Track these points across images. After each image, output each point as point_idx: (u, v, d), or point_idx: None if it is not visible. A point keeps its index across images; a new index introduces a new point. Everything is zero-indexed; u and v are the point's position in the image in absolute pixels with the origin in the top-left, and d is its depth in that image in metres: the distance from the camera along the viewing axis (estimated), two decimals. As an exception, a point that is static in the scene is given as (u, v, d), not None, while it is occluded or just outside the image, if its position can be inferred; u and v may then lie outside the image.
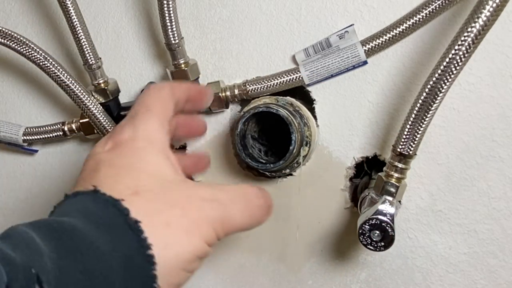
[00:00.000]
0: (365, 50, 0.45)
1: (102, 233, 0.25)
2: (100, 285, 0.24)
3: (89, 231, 0.25)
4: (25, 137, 0.55)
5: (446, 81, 0.37)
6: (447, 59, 0.37)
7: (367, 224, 0.40)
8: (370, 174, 0.50)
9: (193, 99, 0.38)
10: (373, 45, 0.44)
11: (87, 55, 0.49)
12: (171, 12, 0.45)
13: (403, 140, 0.40)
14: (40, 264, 0.22)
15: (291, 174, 0.51)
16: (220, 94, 0.49)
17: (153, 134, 0.31)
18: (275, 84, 0.47)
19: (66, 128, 0.54)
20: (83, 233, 0.25)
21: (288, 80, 0.47)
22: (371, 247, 0.41)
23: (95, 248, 0.24)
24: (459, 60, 0.36)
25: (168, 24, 0.45)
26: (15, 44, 0.49)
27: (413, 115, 0.39)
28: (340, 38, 0.46)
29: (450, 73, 0.37)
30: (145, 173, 0.29)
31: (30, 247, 0.23)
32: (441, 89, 0.38)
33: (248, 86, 0.48)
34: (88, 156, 0.32)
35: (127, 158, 0.30)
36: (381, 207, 0.41)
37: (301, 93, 0.49)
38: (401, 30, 0.43)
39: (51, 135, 0.54)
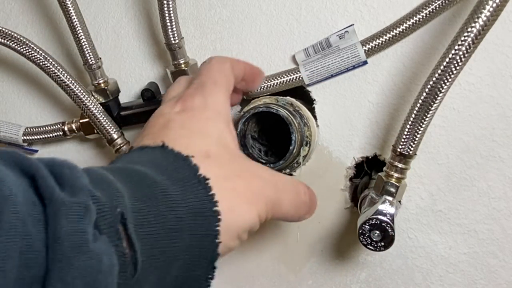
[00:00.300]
0: (365, 50, 0.45)
1: (173, 183, 0.26)
2: (170, 230, 0.25)
3: (161, 180, 0.26)
4: (25, 137, 0.55)
5: (446, 81, 0.37)
6: (447, 59, 0.37)
7: (367, 224, 0.40)
8: (370, 174, 0.50)
9: (246, 79, 0.39)
10: (373, 45, 0.44)
11: (87, 55, 0.49)
12: (171, 12, 0.45)
13: (403, 140, 0.40)
14: (122, 204, 0.23)
15: (291, 174, 0.51)
16: (220, 94, 0.49)
17: (221, 106, 0.33)
18: (275, 84, 0.47)
19: (66, 128, 0.54)
20: (156, 181, 0.26)
21: (288, 80, 0.47)
22: (371, 247, 0.41)
23: (168, 196, 0.26)
24: (459, 60, 0.36)
25: (168, 24, 0.45)
26: (15, 44, 0.49)
27: (413, 115, 0.39)
28: (340, 38, 0.46)
29: (450, 73, 0.37)
30: (215, 141, 0.30)
31: (110, 186, 0.24)
32: (441, 89, 0.38)
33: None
34: (156, 114, 0.33)
35: (199, 123, 0.31)
36: (381, 207, 0.41)
37: (301, 93, 0.49)
38: (401, 30, 0.43)
39: (51, 135, 0.54)
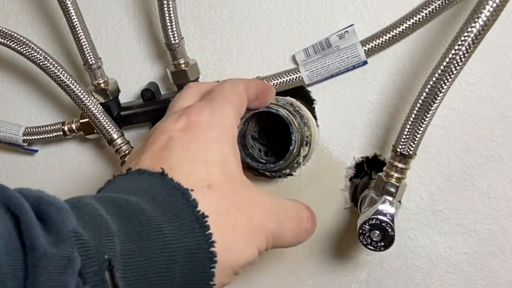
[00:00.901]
0: (365, 50, 0.45)
1: (169, 221, 0.25)
2: (162, 274, 0.24)
3: (156, 217, 0.25)
4: (25, 137, 0.55)
5: (446, 81, 0.37)
6: (447, 59, 0.37)
7: (367, 224, 0.40)
8: (370, 174, 0.50)
9: (259, 98, 0.38)
10: (373, 45, 0.44)
11: (87, 55, 0.49)
12: (171, 12, 0.45)
13: (403, 140, 0.40)
14: (111, 248, 0.22)
15: (291, 174, 0.51)
16: (220, 94, 0.49)
17: (228, 126, 0.31)
18: (275, 84, 0.47)
19: (66, 128, 0.54)
20: (151, 217, 0.24)
21: (288, 80, 0.47)
22: (371, 247, 0.41)
23: (162, 236, 0.24)
24: (459, 60, 0.36)
25: (168, 24, 0.45)
26: (15, 44, 0.49)
27: (413, 115, 0.39)
28: (340, 38, 0.46)
29: (450, 73, 0.37)
30: (218, 167, 0.29)
31: (101, 226, 0.23)
32: (441, 89, 0.38)
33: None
34: (158, 129, 0.31)
35: (202, 145, 0.29)
36: (381, 207, 0.40)
37: (301, 93, 0.49)
38: (401, 30, 0.43)
39: (51, 135, 0.54)
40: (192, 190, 0.26)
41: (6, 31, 0.49)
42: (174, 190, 0.26)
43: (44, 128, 0.54)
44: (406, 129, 0.40)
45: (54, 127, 0.54)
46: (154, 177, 0.27)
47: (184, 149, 0.29)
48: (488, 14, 0.35)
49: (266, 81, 0.48)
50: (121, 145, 0.51)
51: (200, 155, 0.28)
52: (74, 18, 0.47)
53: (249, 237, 0.28)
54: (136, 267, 0.23)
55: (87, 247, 0.21)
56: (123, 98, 0.53)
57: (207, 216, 0.26)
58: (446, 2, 0.42)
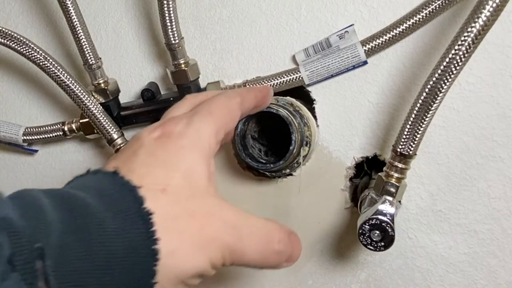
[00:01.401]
0: (365, 50, 0.45)
1: (113, 216, 0.25)
2: (100, 269, 0.23)
3: (100, 212, 0.25)
4: (25, 137, 0.55)
5: (446, 81, 0.37)
6: (447, 59, 0.37)
7: (367, 224, 0.40)
8: (370, 174, 0.50)
9: (259, 104, 0.38)
10: (373, 45, 0.44)
11: (87, 55, 0.49)
12: (171, 12, 0.45)
13: (403, 140, 0.40)
14: (46, 237, 0.22)
15: (291, 174, 0.51)
16: (220, 94, 0.49)
17: (203, 137, 0.30)
18: (275, 84, 0.47)
19: (66, 128, 0.54)
20: (94, 211, 0.24)
21: (288, 80, 0.47)
22: (371, 247, 0.41)
23: (103, 230, 0.24)
24: (459, 60, 0.36)
25: (168, 24, 0.45)
26: (15, 44, 0.49)
27: (413, 115, 0.39)
28: (340, 38, 0.46)
29: (450, 73, 0.37)
30: (179, 174, 0.28)
31: (39, 216, 0.23)
32: (441, 89, 0.38)
33: (248, 86, 0.48)
34: (134, 137, 0.31)
35: (169, 152, 0.29)
36: (381, 207, 0.41)
37: (301, 93, 0.49)
38: (401, 30, 0.43)
39: (51, 135, 0.54)
40: (140, 187, 0.26)
41: (6, 31, 0.49)
42: (122, 187, 0.26)
43: (44, 128, 0.55)
44: (406, 129, 0.40)
45: (54, 127, 0.54)
46: (107, 175, 0.27)
47: (148, 155, 0.29)
48: (488, 14, 0.35)
49: (265, 82, 0.48)
50: (121, 145, 0.51)
51: (163, 161, 0.28)
52: (74, 18, 0.47)
53: (199, 247, 0.26)
54: (73, 259, 0.23)
55: (18, 235, 0.21)
56: (123, 98, 0.53)
57: (152, 213, 0.25)
58: (446, 2, 0.42)
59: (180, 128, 0.30)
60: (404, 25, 0.43)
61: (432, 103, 0.38)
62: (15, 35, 0.49)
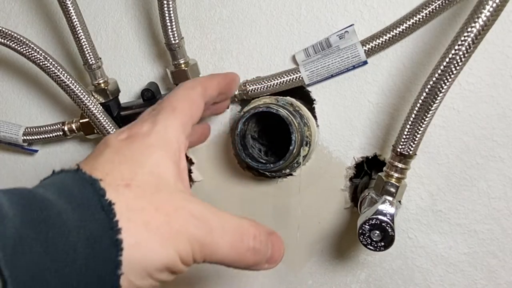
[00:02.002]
0: (365, 50, 0.45)
1: (73, 209, 0.24)
2: (59, 261, 0.23)
3: (59, 205, 0.24)
4: (25, 137, 0.55)
5: (446, 81, 0.37)
6: (447, 59, 0.37)
7: (367, 224, 0.40)
8: (370, 174, 0.50)
9: (224, 91, 0.37)
10: (373, 45, 0.44)
11: (87, 55, 0.49)
12: (171, 12, 0.45)
13: (403, 140, 0.40)
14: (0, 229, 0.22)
15: (291, 174, 0.51)
16: (220, 94, 0.49)
17: (170, 134, 0.30)
18: (275, 84, 0.47)
19: (66, 128, 0.54)
20: (52, 205, 0.24)
21: (288, 80, 0.47)
22: (371, 247, 0.41)
23: (61, 222, 0.24)
24: (459, 60, 0.36)
25: (168, 24, 0.45)
26: (15, 44, 0.49)
27: (413, 115, 0.39)
28: (340, 38, 0.46)
29: (450, 73, 0.37)
30: (145, 170, 0.28)
31: None
32: (441, 89, 0.38)
33: (248, 86, 0.48)
34: (101, 141, 0.31)
35: (135, 150, 0.29)
36: (381, 207, 0.41)
37: (301, 93, 0.49)
38: (401, 30, 0.43)
39: (51, 135, 0.54)
40: (101, 180, 0.26)
41: (6, 31, 0.49)
42: (83, 181, 0.26)
43: (44, 128, 0.55)
44: (406, 129, 0.40)
45: (54, 127, 0.54)
46: (69, 173, 0.27)
47: (114, 154, 0.29)
48: (488, 14, 0.35)
49: (265, 82, 0.48)
50: (121, 145, 0.51)
51: (129, 158, 0.28)
52: (74, 18, 0.47)
53: (165, 239, 0.26)
54: (29, 251, 0.22)
55: None
56: (123, 98, 0.53)
57: (114, 204, 0.25)
58: (446, 2, 0.42)
59: (146, 128, 0.30)
60: (404, 25, 0.43)
61: (432, 103, 0.38)
62: (15, 35, 0.49)
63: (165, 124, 0.31)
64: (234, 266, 0.29)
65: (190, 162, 0.54)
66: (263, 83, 0.48)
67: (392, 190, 0.41)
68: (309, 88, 0.49)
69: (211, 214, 0.28)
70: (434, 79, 0.38)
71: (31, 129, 0.55)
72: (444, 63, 0.37)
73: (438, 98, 0.38)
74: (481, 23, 0.35)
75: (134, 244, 0.25)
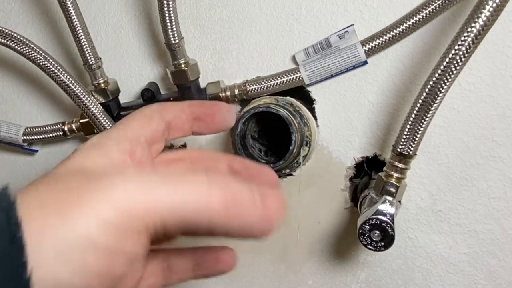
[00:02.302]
0: (365, 50, 0.45)
1: None
2: None
3: None
4: (25, 137, 0.55)
5: (446, 81, 0.37)
6: (447, 59, 0.37)
7: (367, 224, 0.40)
8: (370, 174, 0.50)
9: (202, 118, 0.31)
10: (373, 45, 0.44)
11: (87, 55, 0.49)
12: (171, 12, 0.45)
13: (403, 140, 0.40)
14: None
15: (291, 174, 0.51)
16: (220, 94, 0.49)
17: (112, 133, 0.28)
18: (275, 84, 0.47)
19: (66, 128, 0.54)
20: None
21: (288, 80, 0.47)
22: (371, 247, 0.41)
23: None
24: (459, 60, 0.36)
25: (168, 24, 0.45)
26: (15, 44, 0.49)
27: (413, 115, 0.39)
28: (340, 38, 0.46)
29: (450, 73, 0.37)
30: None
31: None
32: (441, 89, 0.38)
33: (248, 86, 0.48)
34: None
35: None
36: (381, 207, 0.41)
37: (301, 93, 0.49)
38: (401, 30, 0.43)
39: (51, 135, 0.54)
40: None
41: (6, 31, 0.49)
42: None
43: (44, 128, 0.55)
44: (406, 129, 0.40)
45: (54, 127, 0.54)
46: None
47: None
48: (488, 14, 0.35)
49: (265, 82, 0.47)
50: (121, 145, 0.51)
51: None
52: (74, 18, 0.47)
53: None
54: None
55: None
56: (123, 98, 0.53)
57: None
58: (446, 2, 0.42)
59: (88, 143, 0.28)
60: (404, 25, 0.43)
61: (432, 103, 0.38)
62: (15, 35, 0.49)
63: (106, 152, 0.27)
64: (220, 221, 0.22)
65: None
66: (263, 83, 0.48)
67: (392, 190, 0.41)
68: (309, 88, 0.49)
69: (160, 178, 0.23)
70: (434, 79, 0.38)
71: (31, 129, 0.55)
72: (444, 63, 0.37)
73: (438, 98, 0.38)
74: (481, 23, 0.35)
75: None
